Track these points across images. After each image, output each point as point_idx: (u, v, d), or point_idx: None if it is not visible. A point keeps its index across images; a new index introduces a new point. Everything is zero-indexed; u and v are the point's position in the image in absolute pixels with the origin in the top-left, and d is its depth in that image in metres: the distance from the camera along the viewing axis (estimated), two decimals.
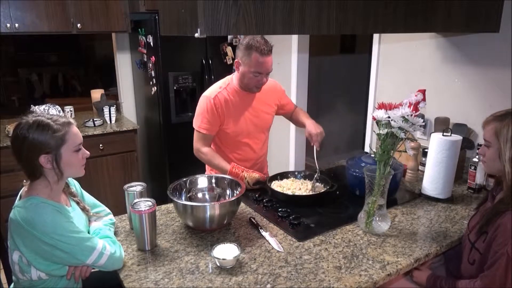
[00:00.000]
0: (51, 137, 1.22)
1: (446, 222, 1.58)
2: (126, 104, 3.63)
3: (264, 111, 2.01)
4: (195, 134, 1.94)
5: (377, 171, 1.41)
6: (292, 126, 3.32)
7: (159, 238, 1.45)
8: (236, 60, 1.85)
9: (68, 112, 3.22)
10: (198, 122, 1.91)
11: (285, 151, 3.51)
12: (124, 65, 3.53)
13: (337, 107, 4.58)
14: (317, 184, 1.84)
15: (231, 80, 1.95)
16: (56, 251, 1.18)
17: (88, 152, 1.34)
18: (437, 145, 1.71)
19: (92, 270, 1.30)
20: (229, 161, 1.93)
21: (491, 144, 1.32)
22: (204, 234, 1.48)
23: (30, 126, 1.21)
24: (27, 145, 1.21)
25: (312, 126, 1.96)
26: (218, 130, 1.94)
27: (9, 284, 1.41)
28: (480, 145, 1.45)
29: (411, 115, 1.33)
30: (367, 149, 2.73)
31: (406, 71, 2.37)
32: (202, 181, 1.70)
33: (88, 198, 1.51)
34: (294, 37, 3.12)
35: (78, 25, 2.87)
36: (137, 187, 1.51)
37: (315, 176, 1.84)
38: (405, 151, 1.43)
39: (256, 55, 1.75)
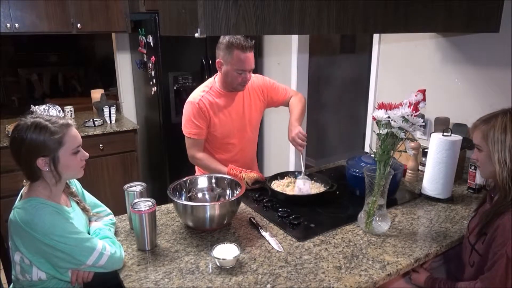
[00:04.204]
0: (48, 139, 1.20)
1: (446, 222, 1.58)
2: (126, 104, 3.62)
3: (251, 109, 1.99)
4: (187, 141, 1.93)
5: (377, 171, 1.41)
6: None
7: (159, 238, 1.45)
8: (217, 60, 1.83)
9: (68, 112, 3.22)
10: (187, 128, 1.90)
11: (285, 151, 3.51)
12: (124, 65, 3.53)
13: (337, 107, 4.58)
14: (302, 181, 1.80)
15: (213, 83, 1.93)
16: (56, 252, 1.17)
17: (87, 154, 1.32)
18: (437, 145, 1.71)
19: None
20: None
21: (482, 147, 1.32)
22: (204, 234, 1.48)
23: (28, 127, 1.20)
24: (24, 147, 1.20)
25: (290, 130, 1.88)
26: (207, 132, 1.93)
27: (9, 284, 1.41)
28: None
29: (411, 115, 1.33)
30: (367, 149, 2.73)
31: (406, 71, 2.37)
32: (202, 181, 1.70)
33: (89, 198, 1.51)
34: (294, 37, 3.11)
35: (78, 25, 2.87)
36: (137, 187, 1.51)
37: (300, 175, 1.83)
38: (405, 151, 1.44)
39: (237, 52, 1.75)
